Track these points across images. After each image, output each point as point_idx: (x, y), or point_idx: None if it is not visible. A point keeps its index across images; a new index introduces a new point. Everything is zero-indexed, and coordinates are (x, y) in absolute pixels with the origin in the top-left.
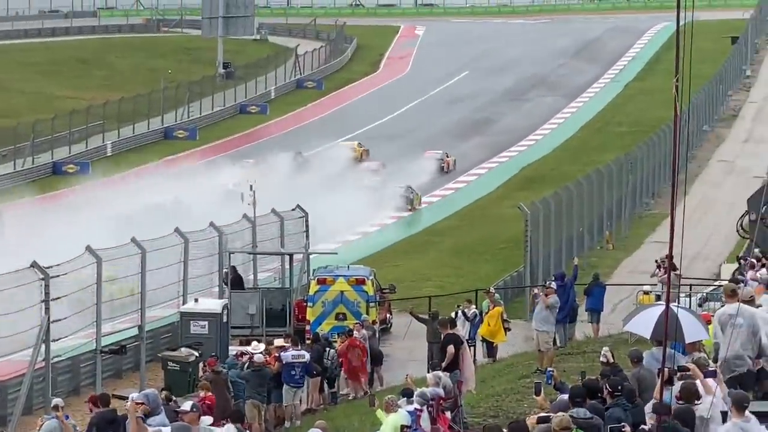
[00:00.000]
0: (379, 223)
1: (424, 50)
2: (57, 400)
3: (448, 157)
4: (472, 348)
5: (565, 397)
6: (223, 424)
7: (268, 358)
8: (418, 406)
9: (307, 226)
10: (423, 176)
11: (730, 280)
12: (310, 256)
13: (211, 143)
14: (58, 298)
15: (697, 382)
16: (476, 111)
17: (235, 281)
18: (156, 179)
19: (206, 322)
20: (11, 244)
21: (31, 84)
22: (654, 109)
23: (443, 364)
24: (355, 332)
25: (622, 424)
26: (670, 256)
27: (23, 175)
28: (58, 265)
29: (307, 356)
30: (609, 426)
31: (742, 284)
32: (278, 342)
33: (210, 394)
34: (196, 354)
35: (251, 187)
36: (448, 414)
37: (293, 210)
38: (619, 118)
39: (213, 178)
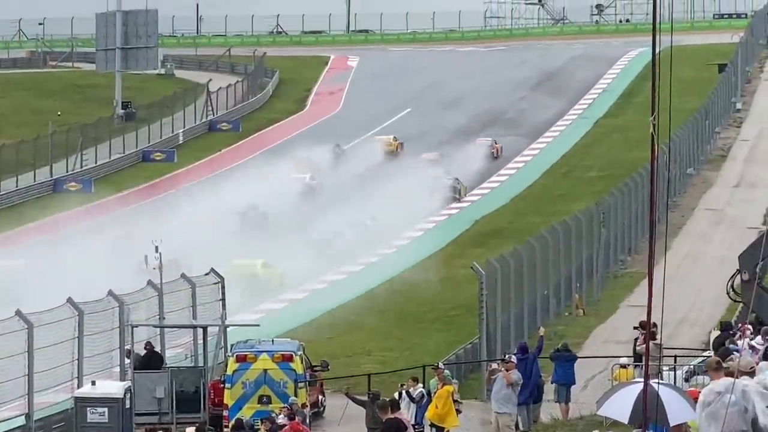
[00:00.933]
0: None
1: (358, 84)
2: None
3: (496, 143)
4: None
5: None
6: None
7: None
8: None
9: (223, 293)
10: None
11: (716, 351)
12: (228, 329)
13: (108, 197)
14: None
15: None
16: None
17: (151, 361)
18: (44, 240)
19: (105, 409)
20: None
21: None
22: (629, 149)
23: None
24: (280, 418)
25: None
26: (648, 323)
27: None
28: None
29: None
30: None
31: (736, 353)
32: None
33: None
34: None
35: (156, 248)
36: None
37: (207, 275)
38: (588, 161)
39: (111, 238)
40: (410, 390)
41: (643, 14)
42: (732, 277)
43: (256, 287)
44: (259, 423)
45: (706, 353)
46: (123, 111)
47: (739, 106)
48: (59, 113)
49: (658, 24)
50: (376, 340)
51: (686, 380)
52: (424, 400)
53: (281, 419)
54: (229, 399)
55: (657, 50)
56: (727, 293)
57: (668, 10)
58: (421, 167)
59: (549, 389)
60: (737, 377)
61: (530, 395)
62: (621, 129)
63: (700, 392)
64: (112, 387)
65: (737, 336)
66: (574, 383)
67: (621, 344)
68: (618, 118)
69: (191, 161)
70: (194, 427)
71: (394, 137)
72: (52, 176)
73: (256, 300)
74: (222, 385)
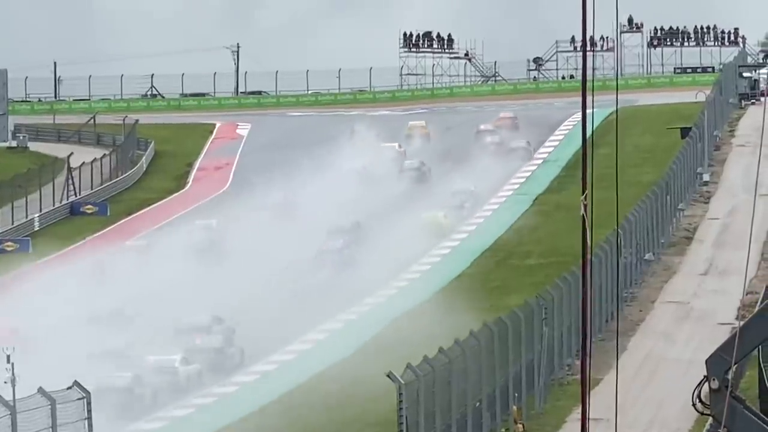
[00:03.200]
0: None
1: (250, 157)
2: None
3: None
4: None
5: None
6: None
7: None
8: None
9: (89, 410)
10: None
11: None
12: None
13: None
14: None
15: None
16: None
17: None
18: None
19: None
20: None
21: None
22: (575, 232)
23: None
24: None
25: None
26: None
27: None
28: None
29: None
30: None
31: None
32: None
33: None
34: None
35: (8, 357)
36: None
37: (69, 389)
38: (527, 246)
39: None
40: None
41: (588, 68)
42: (699, 384)
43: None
44: None
45: None
46: None
47: (706, 177)
48: None
49: (606, 79)
50: None
51: None
52: None
53: None
54: None
55: (587, 112)
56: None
57: (616, 63)
58: None
59: None
60: None
61: None
62: (565, 207)
63: None
64: None
65: None
66: None
67: None
68: (561, 194)
69: (49, 251)
70: None
71: (399, 144)
72: None
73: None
74: None
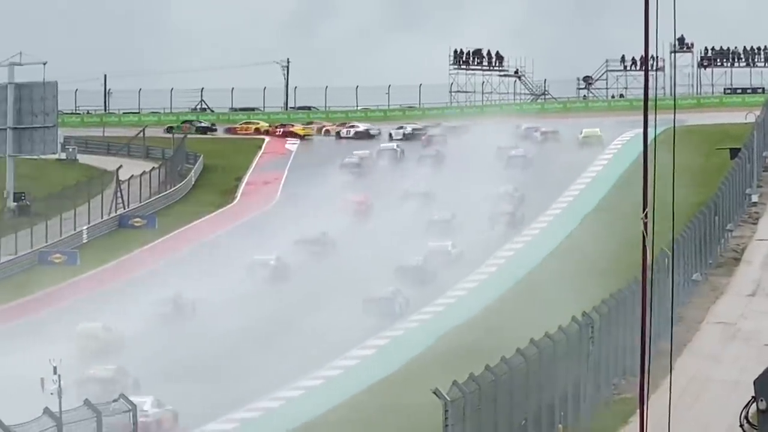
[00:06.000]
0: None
1: (299, 172)
2: None
3: None
4: None
5: None
6: None
7: None
8: None
9: (134, 422)
10: None
11: None
12: None
13: None
14: None
15: None
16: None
17: None
18: None
19: None
20: None
21: None
22: (623, 250)
23: None
24: None
25: None
26: None
27: None
28: None
29: None
30: None
31: None
32: None
33: None
34: None
35: (55, 369)
36: None
37: (115, 401)
38: (575, 264)
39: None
40: None
41: (640, 88)
42: (747, 405)
43: None
44: None
45: None
46: (15, 204)
47: (755, 198)
48: None
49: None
50: None
51: None
52: None
53: None
54: None
55: (649, 133)
56: (741, 426)
57: (670, 83)
58: None
59: None
60: None
61: None
62: (613, 226)
63: None
64: None
65: None
66: None
67: None
68: (610, 213)
69: (97, 264)
70: None
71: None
72: None
73: None
74: None
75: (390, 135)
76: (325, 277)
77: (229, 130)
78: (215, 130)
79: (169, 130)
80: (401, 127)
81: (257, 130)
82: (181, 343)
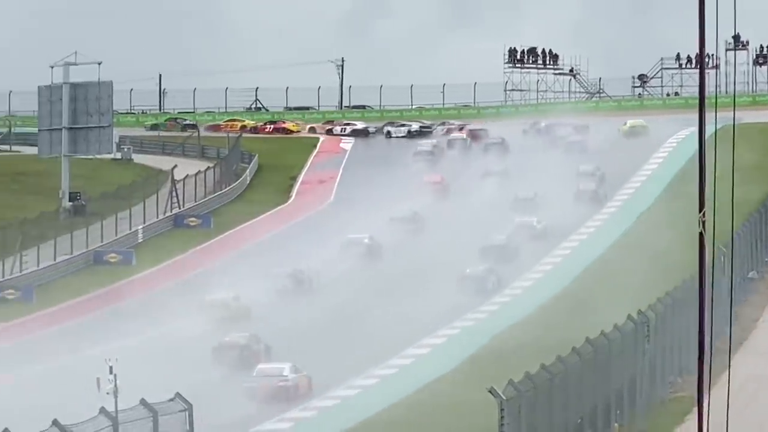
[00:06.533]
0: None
1: (353, 171)
2: None
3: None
4: None
5: None
6: None
7: None
8: None
9: (190, 422)
10: None
11: None
12: None
13: (52, 307)
14: None
15: None
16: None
17: None
18: None
19: None
20: None
21: None
22: (678, 248)
23: None
24: None
25: None
26: None
27: None
28: None
29: None
30: None
31: None
32: None
33: None
34: None
35: (111, 369)
36: None
37: (171, 401)
38: (630, 263)
39: (58, 357)
40: None
41: (695, 86)
42: None
43: None
44: None
45: None
46: (71, 204)
47: None
48: None
49: (711, 97)
50: None
51: None
52: None
53: None
54: None
55: (704, 131)
56: None
57: (725, 80)
58: None
59: None
60: None
61: None
62: (668, 225)
63: None
64: None
65: None
66: None
67: None
68: (665, 212)
69: (152, 264)
70: None
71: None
72: None
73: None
74: None
75: (389, 133)
76: (417, 255)
77: (211, 128)
78: (195, 126)
79: (154, 127)
80: (403, 125)
81: (243, 128)
82: (300, 314)
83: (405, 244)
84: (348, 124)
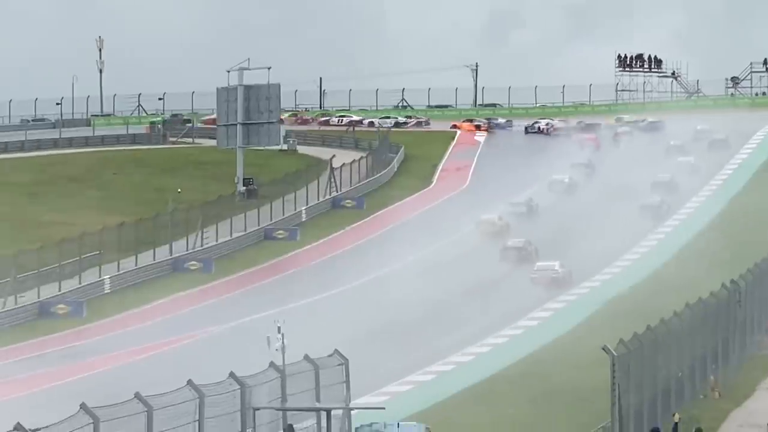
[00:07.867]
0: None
1: (486, 160)
2: None
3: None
4: None
5: None
6: None
7: None
8: None
9: (347, 374)
10: None
11: None
12: (352, 412)
13: (229, 276)
14: None
15: None
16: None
17: None
18: (164, 321)
19: None
20: None
21: (13, 207)
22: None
23: None
24: None
25: None
26: None
27: (4, 318)
28: (45, 427)
29: None
30: None
31: None
32: None
33: None
34: None
35: (279, 328)
36: None
37: (330, 356)
38: (722, 242)
39: (234, 319)
40: None
41: None
42: None
43: None
44: None
45: None
46: (244, 188)
47: None
48: (179, 191)
49: None
50: (502, 424)
51: None
52: None
53: None
54: None
55: None
56: None
57: None
58: None
59: None
60: None
61: None
62: (757, 207)
63: None
64: None
65: None
66: None
67: (757, 428)
68: (754, 195)
69: (314, 239)
70: None
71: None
72: (171, 255)
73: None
74: None
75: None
76: (602, 189)
77: (204, 122)
78: (190, 121)
79: (152, 125)
80: (387, 117)
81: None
82: (536, 230)
83: (588, 183)
84: (343, 117)
